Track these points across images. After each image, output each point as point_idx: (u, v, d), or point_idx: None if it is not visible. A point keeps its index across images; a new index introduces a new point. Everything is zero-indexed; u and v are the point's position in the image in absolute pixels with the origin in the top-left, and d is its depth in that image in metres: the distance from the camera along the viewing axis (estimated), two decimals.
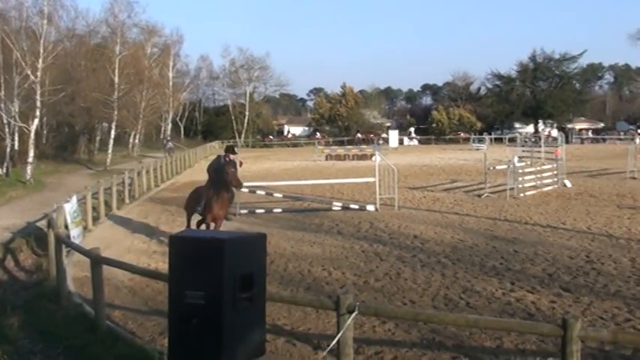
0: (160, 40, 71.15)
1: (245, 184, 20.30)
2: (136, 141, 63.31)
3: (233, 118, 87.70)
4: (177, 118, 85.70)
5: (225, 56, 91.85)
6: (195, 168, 43.35)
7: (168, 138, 65.05)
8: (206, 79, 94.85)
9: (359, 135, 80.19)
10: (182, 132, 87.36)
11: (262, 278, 4.74)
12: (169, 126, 78.46)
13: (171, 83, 76.53)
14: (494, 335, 7.73)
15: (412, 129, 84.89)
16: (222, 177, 13.55)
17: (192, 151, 50.19)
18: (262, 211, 19.39)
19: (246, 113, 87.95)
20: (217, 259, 4.32)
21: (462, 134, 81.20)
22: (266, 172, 35.70)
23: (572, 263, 11.75)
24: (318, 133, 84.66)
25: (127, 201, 23.21)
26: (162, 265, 11.64)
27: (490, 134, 74.92)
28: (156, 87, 63.21)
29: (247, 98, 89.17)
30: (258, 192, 20.64)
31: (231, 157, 13.94)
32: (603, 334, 6.00)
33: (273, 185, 22.96)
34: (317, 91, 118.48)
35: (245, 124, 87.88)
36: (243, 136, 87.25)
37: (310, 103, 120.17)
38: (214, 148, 67.52)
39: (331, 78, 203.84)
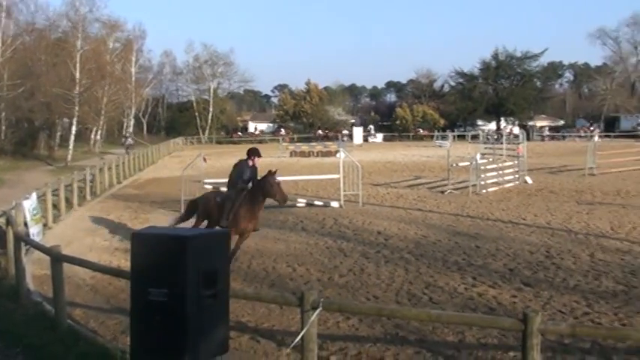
0: (122, 35, 70.41)
1: (208, 180, 20.28)
2: (98, 137, 62.52)
3: (197, 114, 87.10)
4: (140, 114, 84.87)
5: (188, 52, 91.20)
6: (158, 165, 43.01)
7: (127, 134, 64.33)
8: (169, 75, 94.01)
9: (320, 132, 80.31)
10: (145, 128, 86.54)
11: (226, 275, 4.73)
12: (132, 122, 77.61)
13: (133, 79, 75.76)
14: (456, 330, 7.82)
15: (372, 126, 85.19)
16: (261, 188, 11.66)
17: (155, 148, 49.65)
18: None
19: (210, 109, 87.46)
20: (181, 256, 4.30)
21: (422, 131, 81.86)
22: (230, 169, 35.44)
23: (533, 258, 11.95)
24: (282, 130, 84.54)
25: (89, 198, 22.89)
26: (125, 262, 11.49)
27: (453, 131, 75.65)
28: (118, 82, 62.52)
29: (211, 94, 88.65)
30: (222, 189, 20.47)
31: (256, 160, 12.36)
32: (562, 327, 6.12)
33: None
34: (281, 88, 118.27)
35: (209, 121, 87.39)
36: (207, 132, 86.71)
37: (275, 100, 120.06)
38: (178, 145, 67.00)
39: (296, 74, 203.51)
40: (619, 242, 13.32)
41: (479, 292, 9.70)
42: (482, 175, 22.95)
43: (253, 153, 12.48)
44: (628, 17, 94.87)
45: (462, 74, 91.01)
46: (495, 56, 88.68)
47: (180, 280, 4.34)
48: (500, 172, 24.39)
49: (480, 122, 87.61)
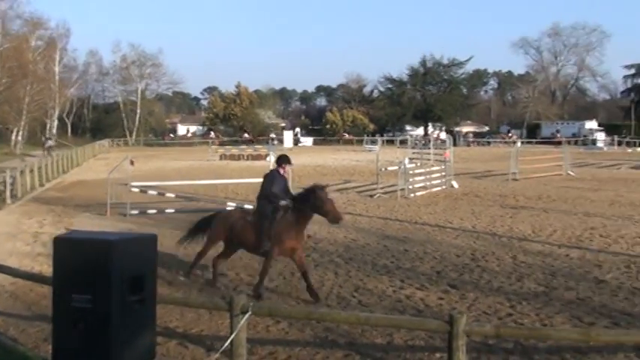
0: (45, 32, 68.42)
1: (135, 183, 19.87)
2: (19, 138, 60.39)
3: (124, 115, 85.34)
4: (65, 115, 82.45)
5: (115, 52, 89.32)
6: (83, 167, 41.87)
7: (48, 135, 62.37)
8: (95, 75, 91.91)
9: (246, 135, 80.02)
10: (69, 129, 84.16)
11: (153, 280, 4.63)
12: (55, 123, 75.41)
13: (57, 78, 73.63)
14: (385, 332, 7.91)
15: (297, 129, 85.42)
16: (308, 203, 9.68)
17: (79, 150, 48.32)
18: (154, 211, 18.93)
19: (138, 111, 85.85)
20: (105, 261, 4.18)
21: (347, 135, 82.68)
22: (158, 172, 34.87)
23: (459, 261, 12.22)
24: (212, 133, 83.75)
25: (9, 201, 22.05)
26: (47, 268, 11.10)
27: (382, 136, 76.69)
28: (41, 82, 60.66)
29: (139, 95, 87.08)
30: (150, 192, 20.16)
31: (287, 168, 10.73)
32: (486, 328, 6.27)
33: (165, 185, 22.48)
34: (211, 90, 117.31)
35: (136, 122, 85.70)
36: (134, 134, 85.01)
37: (204, 102, 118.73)
38: (104, 147, 65.41)
39: (226, 77, 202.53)
40: (540, 245, 13.78)
41: (407, 295, 9.84)
42: (411, 180, 23.34)
43: (284, 160, 10.49)
44: (549, 28, 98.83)
45: (391, 80, 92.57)
46: (423, 63, 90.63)
47: (105, 286, 4.22)
48: (428, 176, 24.86)
49: (408, 127, 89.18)
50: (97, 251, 4.28)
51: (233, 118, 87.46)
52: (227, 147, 58.66)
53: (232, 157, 47.72)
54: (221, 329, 7.95)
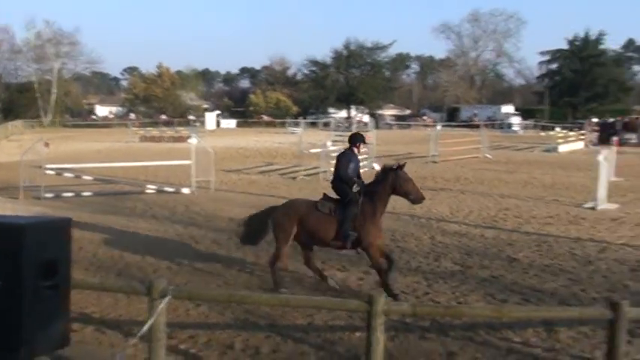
0: None
1: (50, 165, 19.24)
2: None
3: (38, 95, 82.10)
4: None
5: (29, 29, 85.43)
6: None
7: None
8: (7, 53, 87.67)
9: (163, 116, 78.63)
10: None
11: (67, 265, 4.51)
12: None
13: None
14: (305, 313, 7.99)
15: (217, 111, 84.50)
16: (389, 185, 9.04)
17: None
18: (71, 194, 18.40)
19: (54, 91, 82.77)
20: (15, 245, 4.05)
21: (265, 117, 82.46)
22: (75, 154, 33.82)
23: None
24: (132, 114, 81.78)
25: None
26: None
27: (305, 118, 76.83)
28: None
29: (55, 75, 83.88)
30: (66, 174, 19.57)
31: (362, 147, 10.07)
32: (404, 307, 6.43)
33: (82, 167, 21.85)
34: (131, 70, 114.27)
35: (52, 103, 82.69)
36: (50, 115, 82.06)
37: (124, 83, 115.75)
38: (17, 128, 62.85)
39: (147, 57, 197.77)
40: (457, 225, 14.20)
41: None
42: (333, 162, 23.47)
43: (359, 139, 9.71)
44: (469, 14, 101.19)
45: (314, 63, 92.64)
46: (347, 46, 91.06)
47: (16, 272, 4.08)
48: None
49: (331, 110, 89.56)
50: (7, 236, 4.13)
51: (154, 100, 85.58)
52: (147, 129, 57.43)
53: (153, 139, 46.83)
54: (140, 314, 7.83)
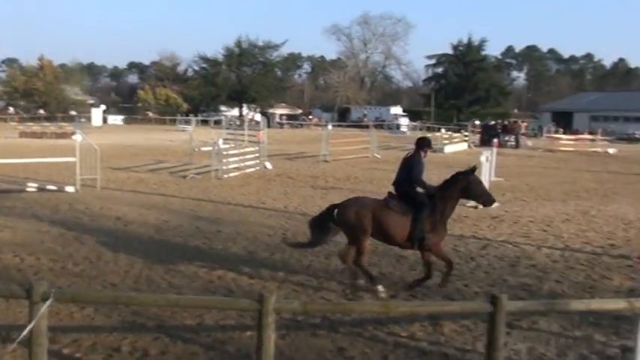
0: None
1: None
2: None
3: None
4: None
5: None
6: None
7: None
8: None
9: (42, 111, 75.35)
10: None
11: None
12: None
13: None
14: (195, 313, 7.87)
15: (103, 106, 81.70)
16: (460, 188, 9.29)
17: None
18: None
19: None
20: None
21: (150, 114, 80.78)
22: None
23: (271, 241, 12.45)
24: (11, 108, 77.59)
25: None
26: None
27: (197, 116, 75.69)
28: None
29: None
30: None
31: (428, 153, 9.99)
32: (295, 305, 6.45)
33: None
34: (10, 62, 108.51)
35: None
36: None
37: (2, 75, 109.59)
38: None
39: (27, 49, 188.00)
40: None
41: (219, 276, 9.85)
42: (224, 160, 23.31)
43: (427, 145, 9.77)
44: (359, 16, 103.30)
45: (205, 59, 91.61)
46: (239, 44, 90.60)
47: None
48: (242, 157, 24.98)
49: (223, 108, 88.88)
50: None
51: (35, 94, 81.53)
52: (28, 124, 54.68)
53: (34, 135, 44.68)
54: (19, 318, 7.44)
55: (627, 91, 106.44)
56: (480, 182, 9.53)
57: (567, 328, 7.82)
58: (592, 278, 10.22)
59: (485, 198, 9.46)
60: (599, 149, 43.70)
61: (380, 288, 9.01)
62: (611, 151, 43.08)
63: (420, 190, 9.27)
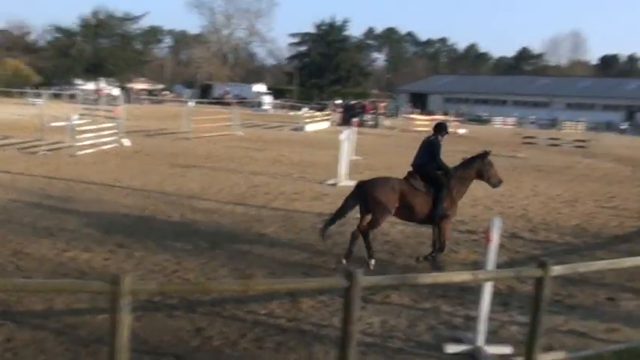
0: None
1: None
2: None
3: None
4: None
5: None
6: None
7: None
8: None
9: None
10: None
11: None
12: None
13: None
14: (45, 297, 7.51)
15: None
16: (474, 170, 10.16)
17: None
18: None
19: None
20: None
21: None
22: None
23: (128, 220, 12.08)
24: None
25: None
26: None
27: (49, 89, 71.63)
28: None
29: None
30: None
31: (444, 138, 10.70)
32: (151, 286, 6.32)
33: None
34: None
35: None
36: None
37: None
38: None
39: None
40: (208, 202, 14.29)
41: (71, 257, 9.43)
42: (79, 137, 22.27)
43: (444, 129, 10.69)
44: None
45: (59, 29, 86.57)
46: (95, 14, 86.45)
47: None
48: (98, 133, 23.97)
49: (78, 81, 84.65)
50: None
51: None
52: None
53: None
54: None
55: (477, 76, 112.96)
56: (492, 164, 10.28)
57: (417, 300, 8.23)
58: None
59: (495, 179, 10.28)
60: (451, 130, 46.04)
61: (372, 262, 9.70)
62: (461, 131, 45.53)
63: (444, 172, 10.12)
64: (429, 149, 10.24)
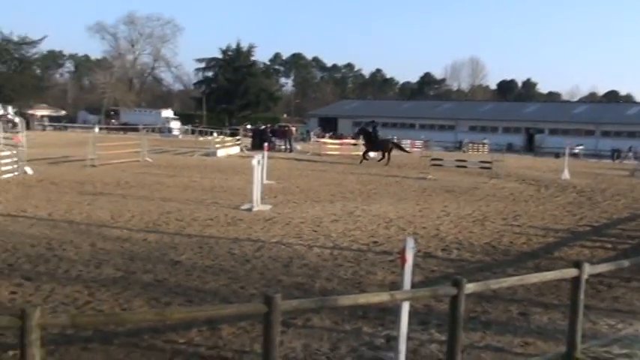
0: None
1: None
2: None
3: None
4: None
5: None
6: None
7: None
8: None
9: None
10: None
11: None
12: None
13: None
14: None
15: None
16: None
17: None
18: None
19: None
20: None
21: None
22: None
23: (34, 251, 11.54)
24: None
25: None
26: None
27: None
28: None
29: None
30: None
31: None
32: (62, 319, 6.04)
33: None
34: None
35: None
36: None
37: None
38: None
39: None
40: (119, 230, 13.85)
41: None
42: None
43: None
44: (125, 16, 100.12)
45: None
46: None
47: None
48: None
49: None
50: None
51: None
52: None
53: None
54: None
55: (384, 100, 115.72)
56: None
57: (339, 322, 8.24)
58: (359, 274, 10.89)
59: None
60: (360, 153, 46.73)
61: None
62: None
63: None
64: None
